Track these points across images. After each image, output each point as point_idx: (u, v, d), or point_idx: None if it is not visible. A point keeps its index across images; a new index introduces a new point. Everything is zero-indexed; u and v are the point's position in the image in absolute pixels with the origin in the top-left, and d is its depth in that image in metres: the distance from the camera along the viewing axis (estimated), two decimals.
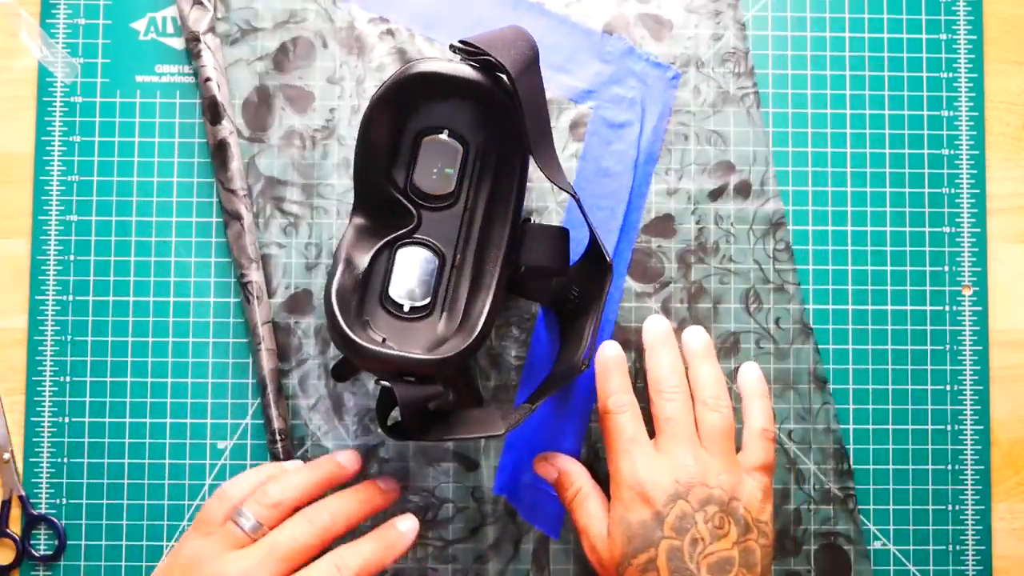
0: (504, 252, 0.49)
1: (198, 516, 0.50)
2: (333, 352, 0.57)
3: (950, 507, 0.58)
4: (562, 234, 0.51)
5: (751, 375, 0.55)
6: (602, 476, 0.54)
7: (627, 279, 0.58)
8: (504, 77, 0.47)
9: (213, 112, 0.56)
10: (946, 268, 0.58)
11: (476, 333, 0.47)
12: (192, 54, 0.57)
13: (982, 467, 0.58)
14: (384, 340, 0.48)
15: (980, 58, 0.59)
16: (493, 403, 0.57)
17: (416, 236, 0.50)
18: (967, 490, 0.58)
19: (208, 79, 0.56)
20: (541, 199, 0.58)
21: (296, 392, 0.57)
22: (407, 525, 0.51)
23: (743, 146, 0.58)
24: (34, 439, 0.57)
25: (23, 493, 0.57)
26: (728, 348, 0.58)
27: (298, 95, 0.58)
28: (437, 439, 0.48)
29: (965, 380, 0.58)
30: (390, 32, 0.58)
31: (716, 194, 0.58)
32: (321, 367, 0.57)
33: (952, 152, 0.59)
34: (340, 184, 0.58)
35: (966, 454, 0.58)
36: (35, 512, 0.57)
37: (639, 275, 0.58)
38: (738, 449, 0.53)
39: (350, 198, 0.57)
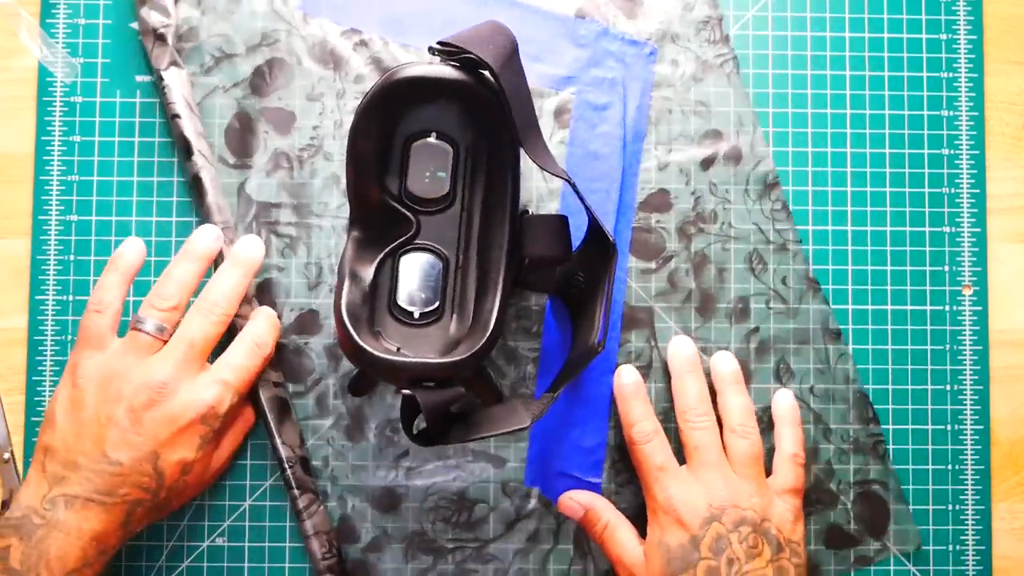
0: (507, 247, 0.49)
1: (82, 335, 0.52)
2: (346, 368, 0.57)
3: (950, 507, 0.58)
4: (561, 221, 0.51)
5: (785, 403, 0.56)
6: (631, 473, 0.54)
7: (630, 258, 0.58)
8: (487, 73, 0.47)
9: (184, 148, 0.56)
10: (946, 268, 0.58)
11: (489, 331, 0.47)
12: (158, 90, 0.57)
13: (982, 467, 0.58)
14: (399, 349, 0.48)
15: (980, 58, 0.59)
16: (513, 398, 0.57)
17: (417, 242, 0.50)
18: (967, 490, 0.58)
19: (176, 116, 0.56)
20: (534, 191, 0.58)
21: (314, 413, 0.57)
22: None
23: (727, 112, 0.58)
24: (34, 439, 0.57)
25: None
26: (738, 313, 0.58)
27: (279, 117, 0.58)
28: (465, 439, 0.48)
29: (965, 380, 0.58)
30: (363, 43, 0.58)
31: (707, 163, 0.58)
32: (336, 385, 0.57)
33: (952, 152, 0.59)
34: (333, 200, 0.57)
35: (966, 454, 0.58)
36: None
37: (641, 252, 0.58)
38: (768, 473, 0.54)
39: (344, 214, 0.57)
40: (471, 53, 0.46)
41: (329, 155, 0.58)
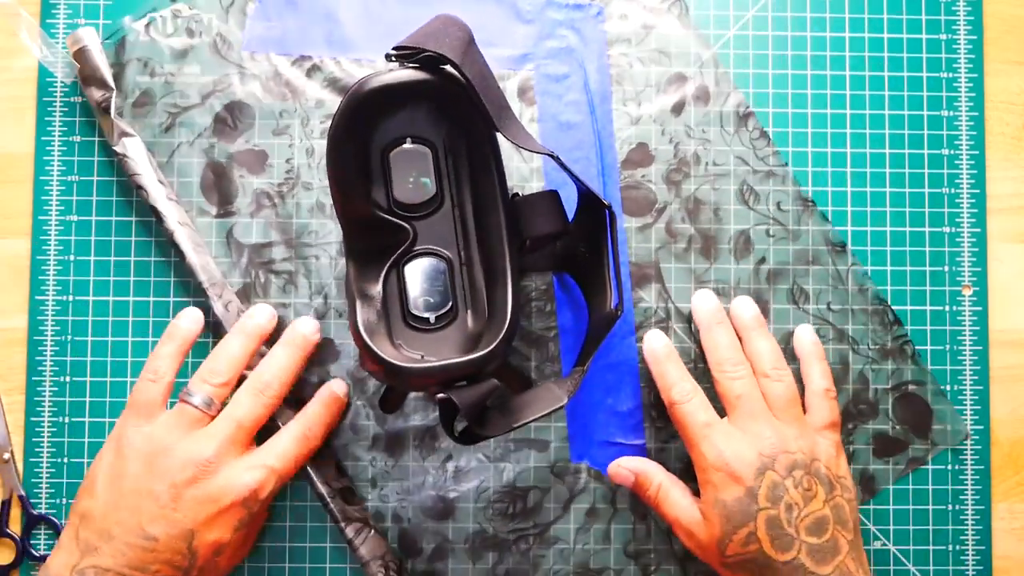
0: (506, 233, 0.49)
1: (133, 400, 0.51)
2: (372, 388, 0.57)
3: (950, 507, 0.58)
4: (553, 196, 0.51)
5: (807, 339, 0.56)
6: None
7: (625, 218, 0.58)
8: (448, 67, 0.47)
9: (156, 216, 0.55)
10: (946, 268, 0.58)
11: (508, 320, 0.47)
12: (118, 166, 0.56)
13: (982, 467, 0.58)
14: (422, 357, 0.48)
15: (980, 58, 0.59)
16: (543, 380, 0.57)
17: (416, 248, 0.50)
18: (967, 490, 0.58)
19: (140, 187, 0.55)
20: (516, 173, 0.57)
21: (350, 438, 0.57)
22: (341, 388, 0.55)
23: (687, 54, 0.58)
24: (34, 439, 0.57)
25: (23, 493, 0.57)
26: (741, 247, 0.58)
27: (250, 158, 0.58)
28: (508, 430, 0.47)
29: (965, 380, 0.58)
30: (316, 67, 0.58)
31: (678, 108, 0.58)
32: (365, 405, 0.57)
33: (952, 152, 0.59)
34: (322, 228, 0.57)
35: (966, 454, 0.58)
36: (35, 512, 0.57)
37: (634, 209, 0.58)
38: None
39: (336, 238, 0.57)
40: (429, 51, 0.46)
41: (308, 184, 0.58)
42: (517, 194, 0.51)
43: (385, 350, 0.47)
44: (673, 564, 0.57)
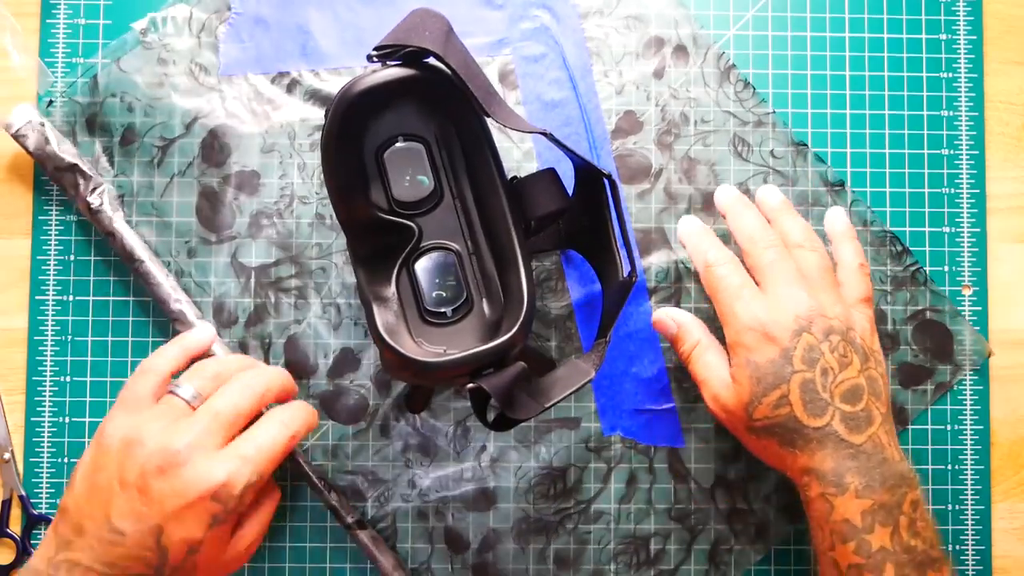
0: (510, 217, 0.48)
1: (122, 395, 0.49)
2: (396, 390, 0.57)
3: (950, 507, 0.58)
4: (552, 173, 0.51)
5: (839, 220, 0.55)
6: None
7: (623, 186, 0.58)
8: (432, 59, 0.47)
9: (128, 259, 0.56)
10: (946, 268, 0.58)
11: (525, 302, 0.47)
12: (92, 219, 0.56)
13: (982, 467, 0.58)
14: (444, 351, 0.48)
15: (980, 58, 0.59)
16: (565, 359, 0.57)
17: (423, 245, 0.50)
18: (967, 490, 0.58)
19: (110, 233, 0.55)
20: (508, 157, 0.57)
21: (382, 443, 0.57)
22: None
23: (661, 16, 0.58)
24: (34, 439, 0.57)
25: (23, 493, 0.57)
26: None
27: (242, 180, 0.57)
28: (541, 411, 0.47)
29: (965, 380, 0.58)
30: (295, 81, 0.58)
31: (659, 71, 0.58)
32: (392, 408, 0.57)
33: (952, 152, 0.59)
34: (324, 240, 0.57)
35: (966, 454, 0.58)
36: (35, 512, 0.57)
37: (630, 177, 0.58)
38: None
39: (340, 247, 0.57)
40: (410, 46, 0.46)
41: (305, 198, 0.57)
42: (516, 177, 0.51)
43: (408, 349, 0.47)
44: (719, 522, 0.57)
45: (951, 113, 0.59)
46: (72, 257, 0.57)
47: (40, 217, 0.58)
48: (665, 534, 0.57)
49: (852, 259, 0.53)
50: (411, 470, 0.57)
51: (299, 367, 0.57)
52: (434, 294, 0.49)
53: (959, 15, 0.59)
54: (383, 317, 0.48)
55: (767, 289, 0.51)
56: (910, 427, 0.58)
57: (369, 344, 0.57)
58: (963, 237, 0.59)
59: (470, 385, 0.45)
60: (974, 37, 0.59)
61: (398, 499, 0.57)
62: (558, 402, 0.47)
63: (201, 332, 0.53)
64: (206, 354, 0.53)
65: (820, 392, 0.48)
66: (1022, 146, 0.59)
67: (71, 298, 0.57)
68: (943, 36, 0.59)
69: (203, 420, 0.47)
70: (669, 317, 0.54)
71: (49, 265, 0.57)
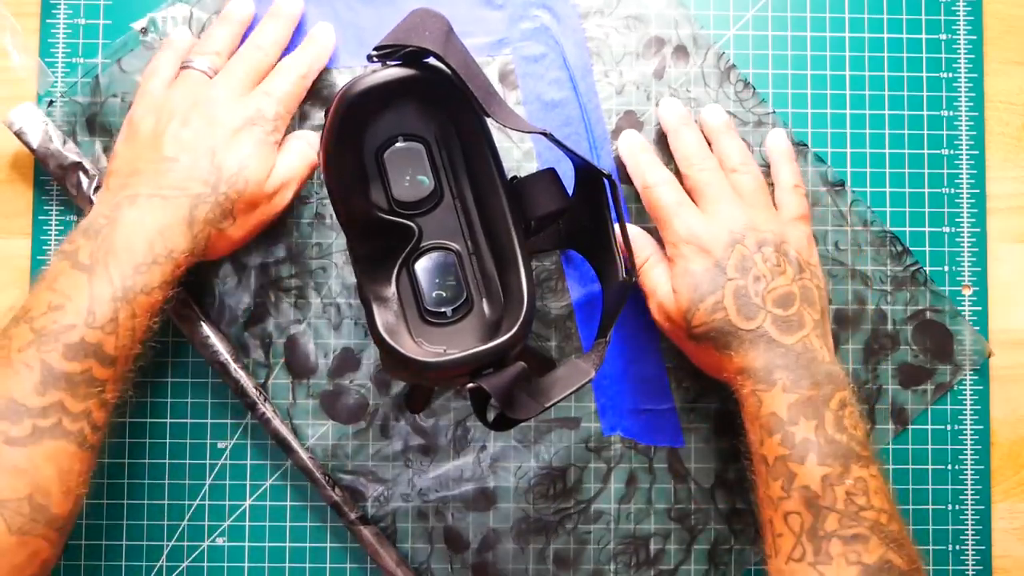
0: (510, 216, 0.48)
1: (148, 71, 0.54)
2: (396, 390, 0.57)
3: (950, 507, 0.58)
4: (552, 173, 0.51)
5: (779, 141, 0.56)
6: None
7: (623, 187, 0.58)
8: (432, 59, 0.47)
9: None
10: (946, 268, 0.58)
11: (526, 301, 0.47)
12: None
13: (982, 467, 0.58)
14: (444, 350, 0.48)
15: (980, 58, 0.59)
16: (565, 359, 0.57)
17: (423, 245, 0.50)
18: (967, 490, 0.58)
19: None
20: (507, 157, 0.57)
21: (382, 443, 0.57)
22: (322, 30, 0.56)
23: (661, 16, 0.58)
24: None
25: None
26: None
27: None
28: (541, 411, 0.47)
29: (965, 380, 0.58)
30: None
31: (659, 71, 0.58)
32: (392, 408, 0.57)
33: (952, 152, 0.59)
34: (324, 240, 0.57)
35: (966, 454, 0.58)
36: None
37: (630, 177, 0.57)
38: None
39: (340, 247, 0.57)
40: (411, 45, 0.46)
41: (305, 198, 0.57)
42: (516, 177, 0.51)
43: (408, 349, 0.47)
44: (719, 522, 0.57)
45: (951, 113, 0.59)
46: None
47: (40, 217, 0.58)
48: (665, 534, 0.57)
49: (788, 180, 0.55)
50: (411, 470, 0.57)
51: (299, 367, 0.57)
52: (434, 294, 0.49)
53: (959, 15, 0.59)
54: (383, 317, 0.48)
55: (703, 207, 0.53)
56: (910, 427, 0.58)
57: (369, 344, 0.57)
58: (963, 237, 0.59)
59: (470, 385, 0.45)
60: (974, 37, 0.59)
61: (398, 499, 0.57)
62: (558, 402, 0.47)
63: (180, 33, 0.56)
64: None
65: (752, 297, 0.50)
66: (1022, 146, 0.59)
67: None
68: (943, 36, 0.59)
69: (225, 78, 0.53)
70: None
71: None
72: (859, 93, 0.59)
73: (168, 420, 0.57)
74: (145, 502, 0.57)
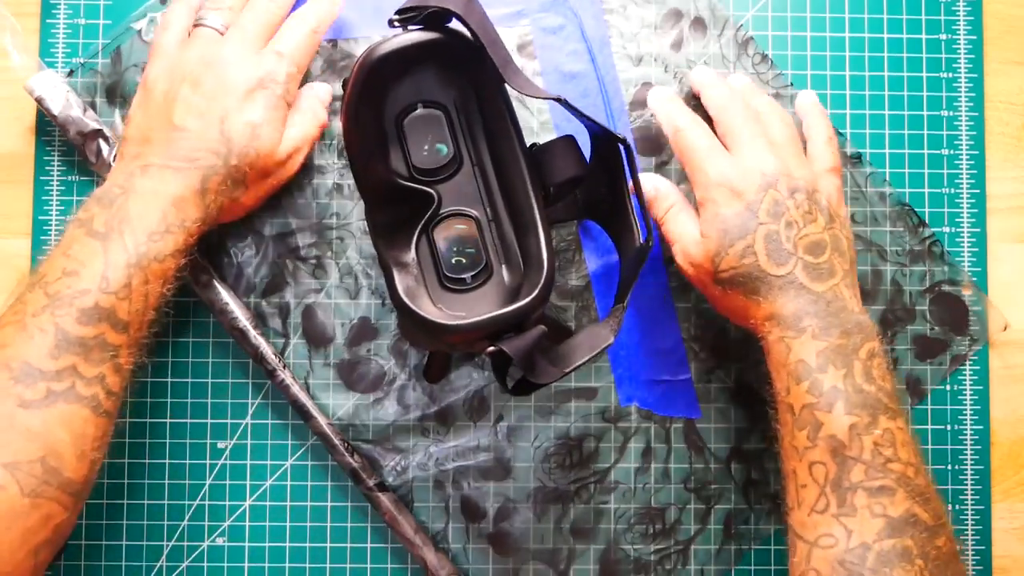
0: (529, 183, 0.48)
1: (161, 24, 0.54)
2: (415, 360, 0.57)
3: (950, 507, 0.58)
4: (570, 140, 0.50)
5: (808, 99, 0.56)
6: None
7: (640, 159, 0.58)
8: (453, 23, 0.47)
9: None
10: (946, 268, 0.58)
11: (546, 266, 0.47)
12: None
13: (982, 467, 0.58)
14: (464, 317, 0.48)
15: (980, 58, 0.59)
16: (581, 327, 0.57)
17: (443, 211, 0.50)
18: (967, 490, 0.58)
19: None
20: (524, 127, 0.56)
21: (399, 413, 0.57)
22: None
23: None
24: None
25: None
26: None
27: None
28: (560, 376, 0.47)
29: (965, 380, 0.58)
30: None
31: (677, 44, 0.58)
32: (411, 379, 0.57)
33: (952, 152, 0.59)
34: (342, 208, 0.57)
35: (966, 454, 0.58)
36: None
37: (649, 149, 0.58)
38: None
39: (357, 216, 0.57)
40: (432, 6, 0.46)
41: (323, 168, 0.58)
42: (535, 144, 0.51)
43: (429, 313, 0.47)
44: (735, 493, 0.57)
45: (951, 113, 0.59)
46: None
47: (40, 217, 0.58)
48: (681, 505, 0.57)
49: (822, 133, 0.55)
50: (428, 439, 0.57)
51: (317, 336, 0.57)
52: (453, 260, 0.49)
53: (959, 15, 0.59)
54: (404, 282, 0.48)
55: (735, 151, 0.52)
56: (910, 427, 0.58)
57: (387, 313, 0.57)
58: (963, 237, 0.59)
59: (491, 348, 0.45)
60: (974, 37, 0.59)
61: (415, 468, 0.57)
62: (579, 367, 0.47)
63: None
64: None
65: (784, 243, 0.50)
66: (1022, 146, 0.59)
67: None
68: (943, 36, 0.59)
69: (236, 35, 0.53)
70: (648, 182, 0.54)
71: None
72: (859, 93, 0.59)
73: (168, 420, 0.57)
74: (145, 502, 0.57)
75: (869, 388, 0.47)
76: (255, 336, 0.55)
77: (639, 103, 0.58)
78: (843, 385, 0.47)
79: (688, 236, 0.52)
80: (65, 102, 0.55)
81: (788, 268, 0.49)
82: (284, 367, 0.56)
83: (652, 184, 0.54)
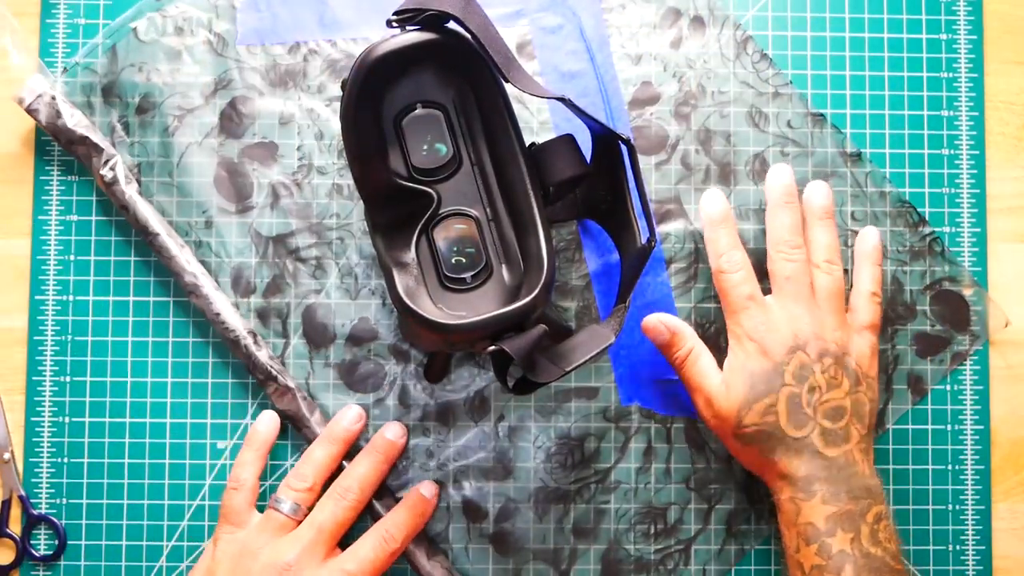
0: (528, 182, 0.48)
1: (223, 511, 0.53)
2: (415, 360, 0.57)
3: (950, 507, 0.58)
4: (569, 139, 0.50)
5: (869, 241, 0.56)
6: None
7: (640, 158, 0.58)
8: (451, 24, 0.47)
9: (143, 230, 0.56)
10: (946, 267, 0.58)
11: (546, 265, 0.47)
12: (109, 193, 0.56)
13: (982, 467, 0.58)
14: (465, 315, 0.48)
15: (980, 58, 0.59)
16: (581, 326, 0.57)
17: (442, 211, 0.50)
18: (967, 490, 0.58)
19: (124, 207, 0.55)
20: (524, 127, 0.57)
21: (401, 413, 0.57)
22: (429, 490, 0.55)
23: None
24: (34, 439, 0.57)
25: (23, 493, 0.57)
26: (757, 170, 0.58)
27: (261, 151, 0.58)
28: (561, 375, 0.47)
29: (965, 380, 0.58)
30: (312, 51, 0.58)
31: (676, 42, 0.59)
32: (412, 377, 0.57)
33: (952, 152, 0.59)
34: (342, 209, 0.57)
35: (966, 454, 0.58)
36: (35, 512, 0.57)
37: (648, 148, 0.58)
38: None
39: (356, 217, 0.57)
40: (430, 9, 0.46)
41: (322, 168, 0.58)
42: (534, 143, 0.51)
43: (429, 313, 0.47)
44: (737, 492, 0.57)
45: (951, 113, 0.59)
46: (72, 257, 0.57)
47: (40, 217, 0.58)
48: (683, 504, 0.57)
49: (867, 285, 0.55)
50: (429, 439, 0.57)
51: (317, 336, 0.57)
52: (453, 260, 0.49)
53: (959, 15, 0.59)
54: (404, 281, 0.48)
55: (777, 298, 0.53)
56: (910, 427, 0.58)
57: (387, 313, 0.57)
58: (963, 237, 0.59)
59: (491, 347, 0.45)
60: (974, 37, 0.59)
61: (416, 468, 0.57)
62: (580, 366, 0.47)
63: (265, 426, 0.55)
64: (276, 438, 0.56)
65: (804, 407, 0.51)
66: (1022, 146, 0.59)
67: (71, 298, 0.57)
68: (943, 36, 0.59)
69: (309, 535, 0.52)
70: (661, 323, 0.54)
71: (49, 265, 0.57)
72: (859, 93, 0.59)
73: (168, 420, 0.57)
74: (145, 502, 0.57)
75: (876, 551, 0.50)
76: (246, 346, 0.55)
77: (639, 101, 0.58)
78: (851, 549, 0.49)
79: (710, 384, 0.53)
80: (52, 111, 0.55)
81: (805, 432, 0.51)
82: (280, 374, 0.56)
83: (668, 326, 0.54)
